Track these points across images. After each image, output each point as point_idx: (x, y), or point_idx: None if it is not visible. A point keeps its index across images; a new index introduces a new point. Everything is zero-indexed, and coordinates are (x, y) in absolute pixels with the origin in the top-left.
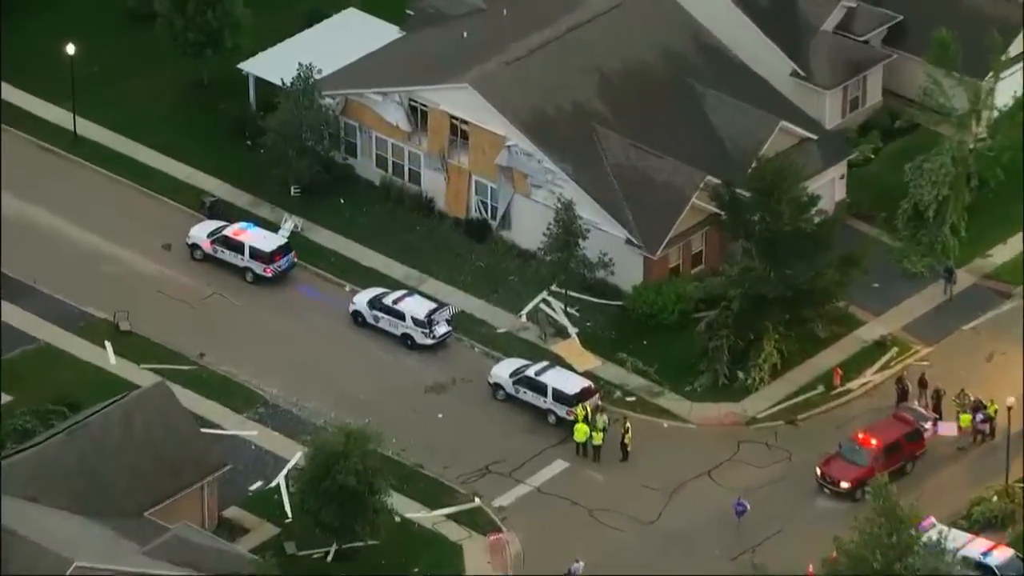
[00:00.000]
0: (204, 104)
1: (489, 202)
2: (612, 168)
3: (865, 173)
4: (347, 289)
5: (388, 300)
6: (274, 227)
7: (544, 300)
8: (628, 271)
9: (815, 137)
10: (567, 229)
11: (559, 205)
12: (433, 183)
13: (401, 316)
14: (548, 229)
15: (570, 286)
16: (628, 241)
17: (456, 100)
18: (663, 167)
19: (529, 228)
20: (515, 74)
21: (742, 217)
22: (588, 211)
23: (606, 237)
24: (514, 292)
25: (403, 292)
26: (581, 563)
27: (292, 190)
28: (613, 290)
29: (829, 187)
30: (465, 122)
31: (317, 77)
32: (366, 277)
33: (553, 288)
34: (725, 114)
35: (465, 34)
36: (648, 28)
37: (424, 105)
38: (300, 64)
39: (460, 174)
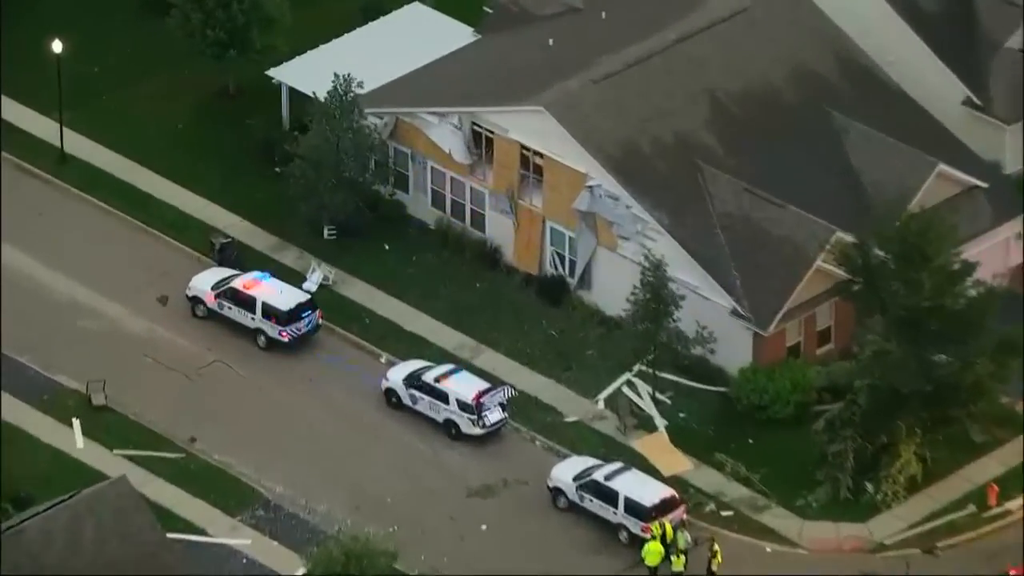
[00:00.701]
0: (227, 119)
1: (567, 255)
2: (719, 218)
3: None
4: (383, 360)
5: (430, 377)
6: (299, 278)
7: (628, 382)
8: (734, 349)
9: (986, 185)
10: (656, 294)
11: (646, 264)
12: (500, 229)
13: (444, 398)
14: (633, 293)
15: (661, 366)
16: (734, 312)
17: (529, 126)
18: (784, 219)
19: (614, 289)
20: (604, 95)
21: (875, 287)
22: (686, 271)
23: (707, 305)
24: (591, 370)
25: (450, 367)
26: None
27: (325, 231)
28: (714, 372)
29: (1002, 249)
30: (539, 154)
31: (358, 91)
32: (409, 345)
33: (639, 368)
34: (870, 153)
35: (552, 41)
36: (778, 40)
37: (490, 131)
38: (337, 75)
39: (532, 219)
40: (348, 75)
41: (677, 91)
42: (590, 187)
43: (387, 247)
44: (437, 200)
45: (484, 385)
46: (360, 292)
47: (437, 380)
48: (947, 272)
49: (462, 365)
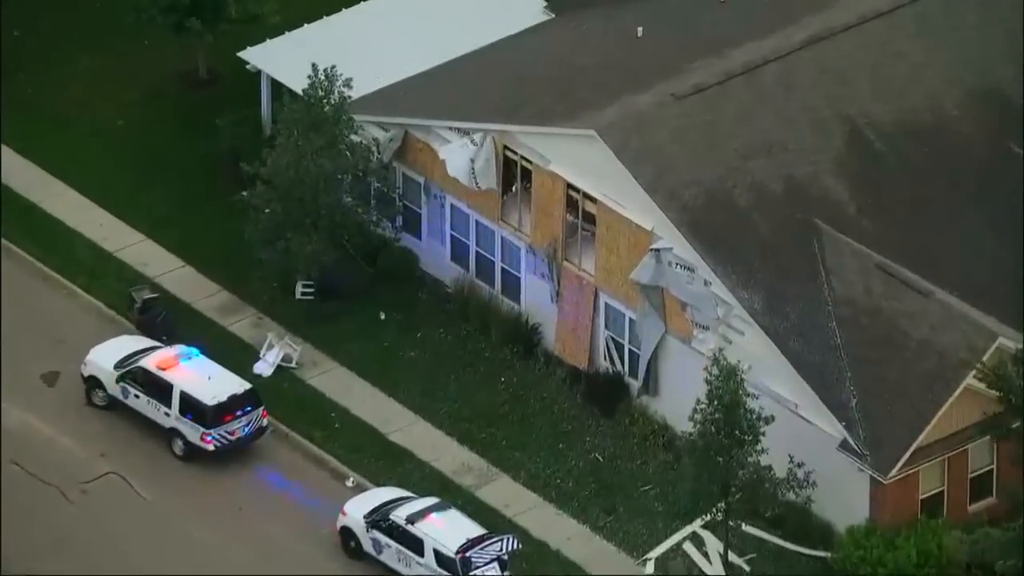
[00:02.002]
0: (189, 116)
1: (627, 345)
2: (837, 306)
3: None
4: (350, 484)
5: (401, 515)
6: (250, 357)
7: (692, 536)
8: (845, 498)
9: None
10: (728, 414)
11: (715, 370)
12: (541, 300)
13: (418, 547)
14: (697, 410)
15: (741, 514)
16: (845, 445)
17: (577, 157)
18: (929, 312)
19: (690, 397)
20: (689, 117)
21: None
22: (782, 381)
23: (810, 432)
24: (645, 515)
25: (432, 502)
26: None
27: (299, 289)
28: (818, 528)
29: None
30: (591, 198)
31: (345, 91)
32: (391, 463)
33: (712, 516)
34: None
35: (641, 31)
36: (960, 47)
37: (527, 160)
38: (315, 67)
39: (582, 290)
40: (332, 67)
41: (797, 116)
42: (656, 251)
43: (383, 316)
44: (458, 252)
45: (476, 531)
46: (334, 381)
47: (411, 520)
48: None
49: (456, 499)
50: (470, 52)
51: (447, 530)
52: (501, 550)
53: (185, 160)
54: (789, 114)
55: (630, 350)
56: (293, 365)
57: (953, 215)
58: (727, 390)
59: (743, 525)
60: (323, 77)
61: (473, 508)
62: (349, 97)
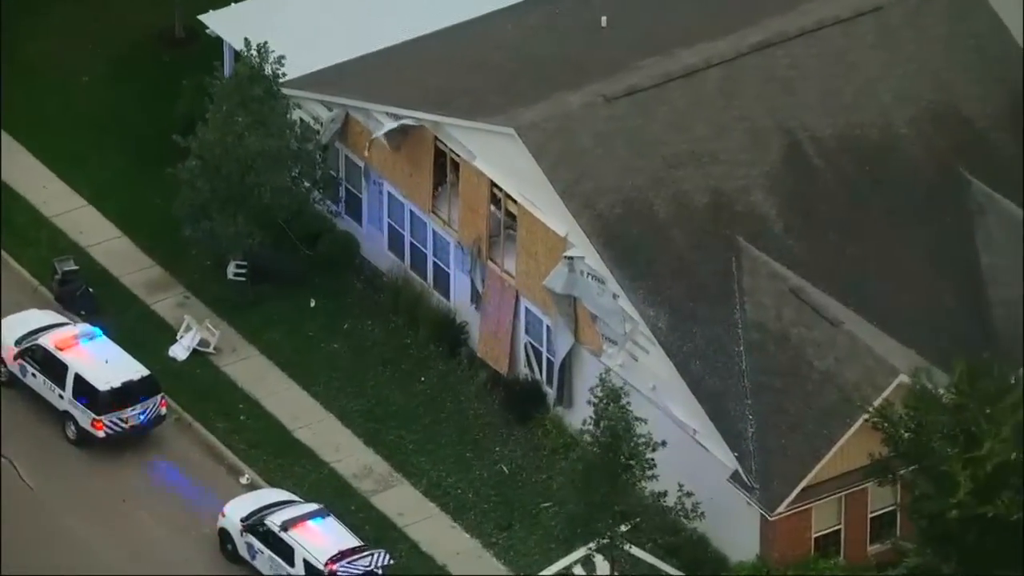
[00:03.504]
0: (157, 77)
1: (544, 352)
2: (747, 330)
3: None
4: (244, 481)
5: (276, 520)
6: (167, 338)
7: (585, 559)
8: (736, 531)
9: None
10: (611, 440)
11: (600, 394)
12: (468, 297)
13: (289, 555)
14: (583, 430)
15: (640, 537)
16: (736, 477)
17: (500, 156)
18: (836, 344)
19: None
20: (617, 121)
21: (926, 472)
22: (682, 405)
23: (707, 460)
24: (542, 533)
25: (312, 508)
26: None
27: (231, 269)
28: (711, 558)
29: None
30: (512, 199)
31: (277, 68)
32: (291, 461)
33: (597, 542)
34: (1012, 249)
35: (605, 20)
36: (919, 60)
37: (456, 154)
38: (248, 42)
39: (504, 292)
40: (265, 44)
41: (734, 125)
42: (570, 259)
43: (313, 303)
44: (394, 241)
45: (351, 543)
46: (250, 370)
47: (285, 527)
48: (998, 464)
49: (349, 505)
50: (431, 33)
51: (320, 540)
52: (370, 565)
53: (142, 124)
54: (725, 123)
55: (548, 358)
56: (210, 350)
57: (889, 240)
58: (610, 414)
59: (633, 551)
60: (255, 53)
61: (365, 516)
62: (282, 75)
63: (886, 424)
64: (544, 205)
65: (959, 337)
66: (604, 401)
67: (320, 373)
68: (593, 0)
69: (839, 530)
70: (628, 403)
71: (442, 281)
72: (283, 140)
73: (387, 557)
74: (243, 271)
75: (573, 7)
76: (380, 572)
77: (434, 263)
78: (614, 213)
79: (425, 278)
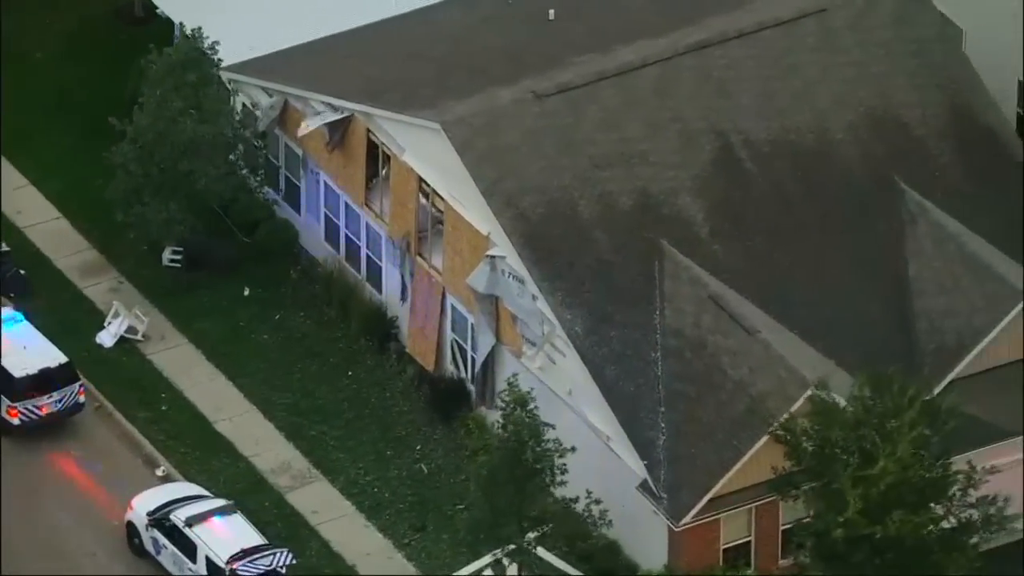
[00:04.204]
0: (114, 55)
1: (469, 350)
2: (665, 336)
3: None
4: (159, 473)
5: (181, 515)
6: (95, 323)
7: (496, 563)
8: (646, 540)
9: None
10: (517, 445)
11: (508, 398)
12: (397, 293)
13: (192, 552)
14: (493, 433)
15: (552, 542)
16: (644, 486)
17: (427, 151)
18: (750, 351)
19: None
20: (545, 119)
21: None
22: (596, 411)
23: (618, 467)
24: (454, 534)
25: (219, 504)
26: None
27: (167, 255)
28: (623, 566)
29: None
30: (439, 195)
31: (211, 54)
32: (208, 455)
33: (502, 548)
34: (942, 261)
35: (553, 13)
36: (860, 65)
37: (387, 147)
38: (182, 26)
39: (431, 288)
40: (199, 29)
41: (666, 126)
42: (492, 258)
43: (247, 293)
44: (330, 232)
45: (255, 541)
46: (177, 359)
47: (189, 523)
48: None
49: (264, 501)
50: (382, 20)
51: (224, 537)
52: (272, 564)
53: (92, 103)
54: (657, 123)
55: (473, 357)
56: (138, 337)
57: (818, 248)
58: (516, 418)
59: (545, 557)
60: (192, 37)
61: (278, 512)
62: (218, 60)
63: (789, 437)
64: (468, 202)
65: (882, 348)
66: (511, 406)
67: (247, 364)
68: None
69: (749, 542)
70: (536, 408)
71: (375, 274)
72: (217, 127)
73: (290, 556)
74: (178, 258)
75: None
76: (283, 571)
77: (367, 256)
78: (537, 213)
79: (359, 271)
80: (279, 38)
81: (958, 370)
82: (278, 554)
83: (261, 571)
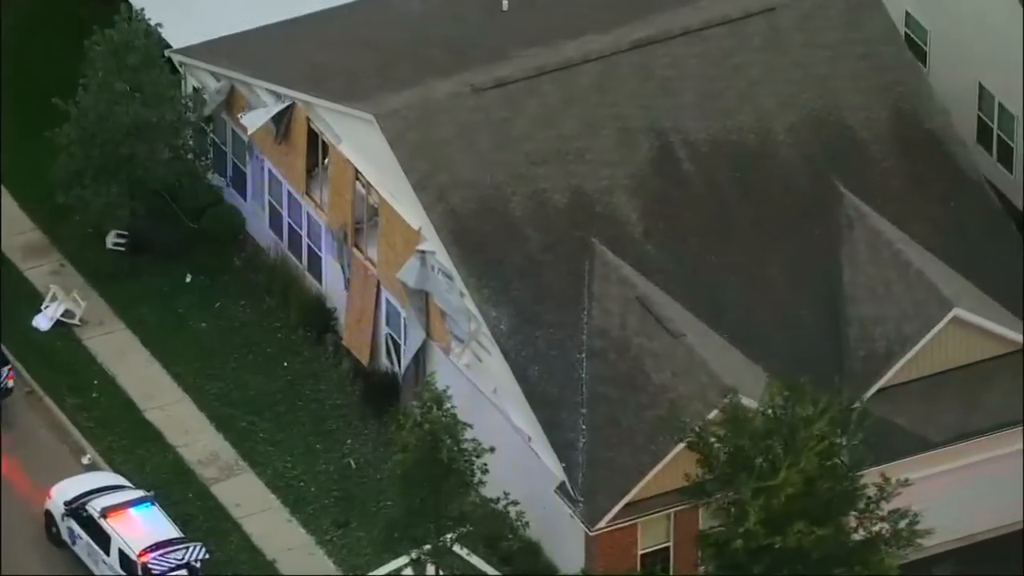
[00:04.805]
0: (76, 32)
1: (403, 345)
2: (591, 337)
3: None
4: (85, 461)
5: (97, 506)
6: (34, 306)
7: (415, 561)
8: (564, 543)
9: None
10: (432, 446)
11: (424, 397)
12: (339, 283)
13: (106, 544)
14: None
15: (474, 542)
16: (562, 488)
17: (363, 142)
18: (674, 354)
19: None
20: (481, 113)
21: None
22: (519, 411)
23: (539, 468)
24: (379, 532)
25: (136, 496)
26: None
27: (111, 238)
28: (544, 568)
29: None
30: (374, 187)
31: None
32: (135, 443)
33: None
34: (876, 267)
35: (506, 3)
36: (806, 66)
37: (326, 137)
38: (128, 7)
39: (367, 281)
40: (141, 11)
41: (605, 123)
42: (422, 253)
43: (189, 279)
44: (274, 221)
45: (169, 534)
46: (113, 344)
47: (104, 514)
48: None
49: (187, 493)
50: (339, 6)
51: (138, 529)
52: (184, 558)
53: (44, 81)
54: (596, 121)
55: (404, 348)
56: (75, 322)
57: (754, 251)
58: (432, 417)
59: (465, 556)
60: (134, 17)
61: (202, 505)
62: (161, 42)
63: (702, 445)
64: (401, 195)
65: (813, 354)
66: (428, 404)
67: (183, 352)
68: None
69: (668, 547)
70: (453, 407)
71: (315, 265)
72: (160, 110)
73: (203, 551)
74: (123, 242)
75: None
76: (197, 565)
77: (308, 246)
78: (468, 208)
79: (301, 260)
80: (238, 21)
81: (886, 378)
82: (192, 548)
83: (173, 565)
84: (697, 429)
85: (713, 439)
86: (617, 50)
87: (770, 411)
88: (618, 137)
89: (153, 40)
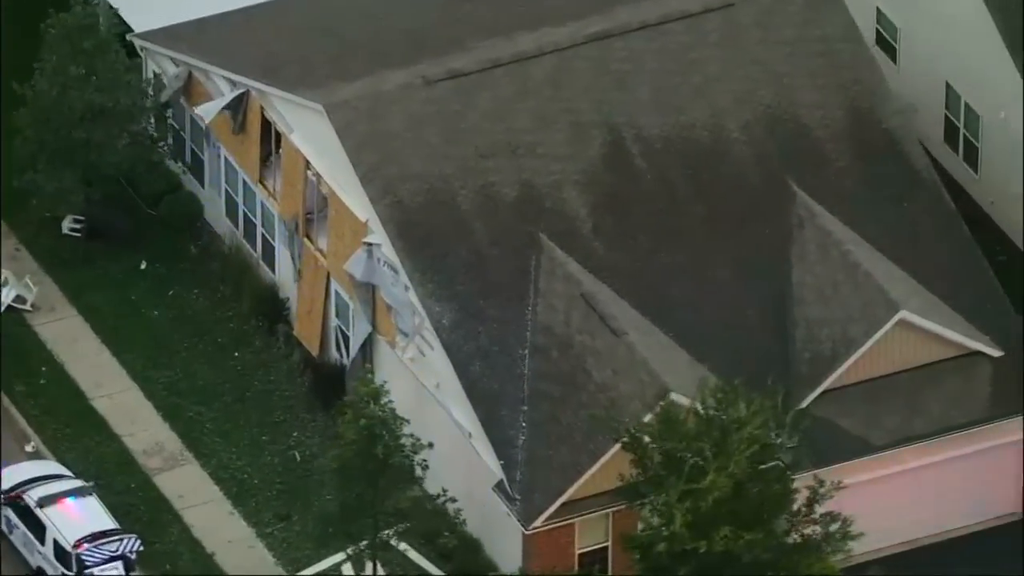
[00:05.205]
0: (40, 17)
1: (351, 334)
2: (535, 334)
3: None
4: (29, 449)
5: (34, 495)
6: None
7: (353, 556)
8: (503, 541)
9: (998, 353)
10: (369, 440)
11: (360, 392)
12: (290, 275)
13: (41, 534)
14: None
15: (413, 538)
16: (500, 486)
17: (313, 132)
18: (615, 353)
19: (398, 402)
20: (431, 105)
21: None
22: (460, 407)
23: (479, 465)
24: (320, 526)
25: (74, 486)
26: None
27: (67, 223)
28: (484, 565)
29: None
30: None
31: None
32: (81, 432)
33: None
34: (824, 268)
35: None
36: (763, 63)
37: (278, 126)
38: None
39: (317, 272)
40: None
41: (557, 117)
42: (369, 245)
43: (144, 266)
44: (231, 209)
45: (105, 525)
46: (63, 331)
47: (41, 504)
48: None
49: (129, 483)
50: None
51: (74, 520)
52: (118, 550)
53: (7, 64)
54: (548, 115)
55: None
56: (27, 307)
57: (703, 249)
58: (369, 412)
59: (405, 553)
60: (87, 2)
61: (143, 495)
62: (116, 26)
63: (635, 445)
64: (349, 187)
65: (759, 354)
66: (364, 399)
67: (134, 340)
68: None
69: (607, 547)
70: (391, 402)
71: (269, 254)
72: (114, 96)
73: (138, 543)
74: (79, 226)
75: None
76: (132, 556)
77: (262, 235)
78: (415, 201)
79: (255, 249)
80: (201, 6)
81: (831, 380)
82: (126, 539)
83: (107, 556)
84: (632, 429)
85: (647, 439)
86: (573, 43)
87: (703, 412)
88: (570, 131)
89: (109, 24)
